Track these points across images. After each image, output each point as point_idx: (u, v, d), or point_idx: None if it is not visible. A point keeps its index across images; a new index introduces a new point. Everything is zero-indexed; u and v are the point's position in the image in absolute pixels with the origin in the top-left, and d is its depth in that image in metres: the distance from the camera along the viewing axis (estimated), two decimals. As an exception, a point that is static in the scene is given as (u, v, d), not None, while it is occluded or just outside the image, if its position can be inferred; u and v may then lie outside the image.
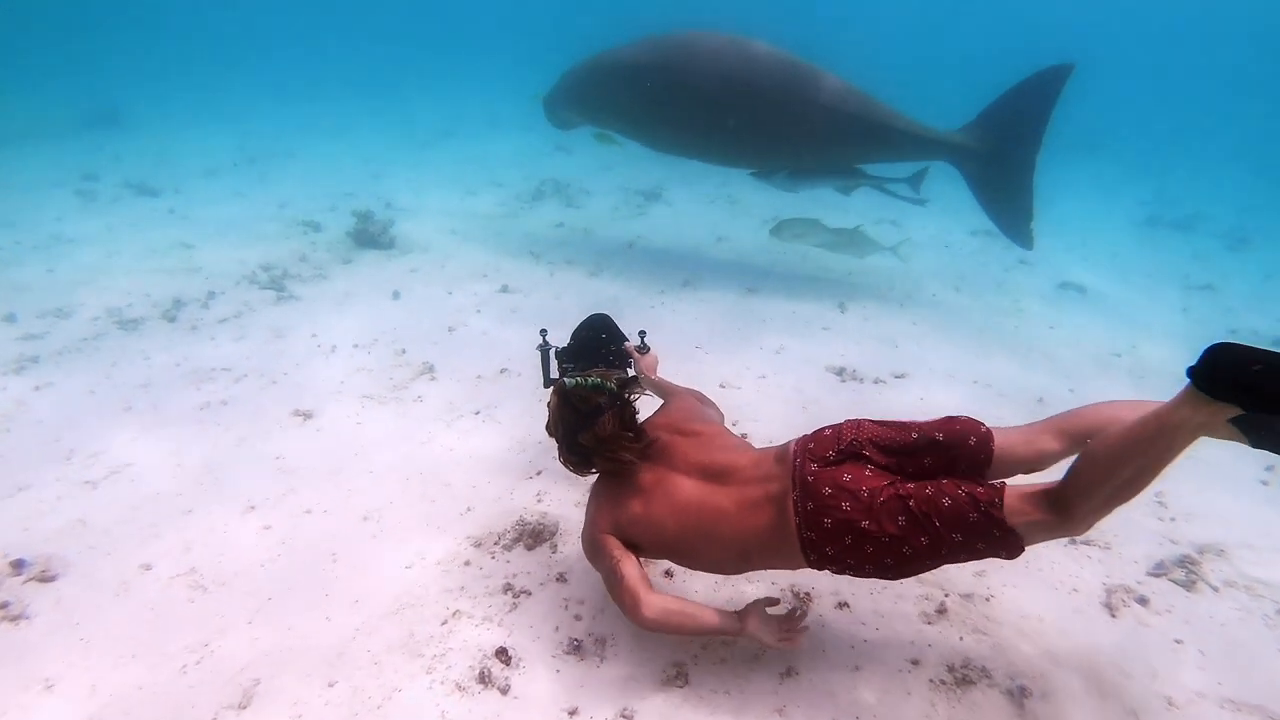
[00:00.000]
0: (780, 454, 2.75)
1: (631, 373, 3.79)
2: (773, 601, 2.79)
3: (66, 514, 3.79)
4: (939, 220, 11.08)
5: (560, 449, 2.93)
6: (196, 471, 4.19)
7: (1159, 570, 3.75)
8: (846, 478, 2.53)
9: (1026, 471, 2.67)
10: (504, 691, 2.82)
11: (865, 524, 2.44)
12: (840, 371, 5.83)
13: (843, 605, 3.33)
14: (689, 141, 7.61)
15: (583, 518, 3.01)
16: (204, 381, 5.21)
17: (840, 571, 2.59)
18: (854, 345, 6.41)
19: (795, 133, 7.00)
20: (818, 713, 2.80)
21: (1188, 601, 3.56)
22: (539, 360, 3.85)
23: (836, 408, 5.19)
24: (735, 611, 2.71)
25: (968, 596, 3.43)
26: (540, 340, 3.85)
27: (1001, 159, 7.00)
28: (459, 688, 2.83)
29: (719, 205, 11.23)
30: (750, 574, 3.43)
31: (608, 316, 3.90)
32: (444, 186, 11.82)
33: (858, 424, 2.72)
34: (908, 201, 7.65)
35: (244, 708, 2.73)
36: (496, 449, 4.47)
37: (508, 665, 2.94)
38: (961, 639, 3.19)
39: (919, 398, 5.49)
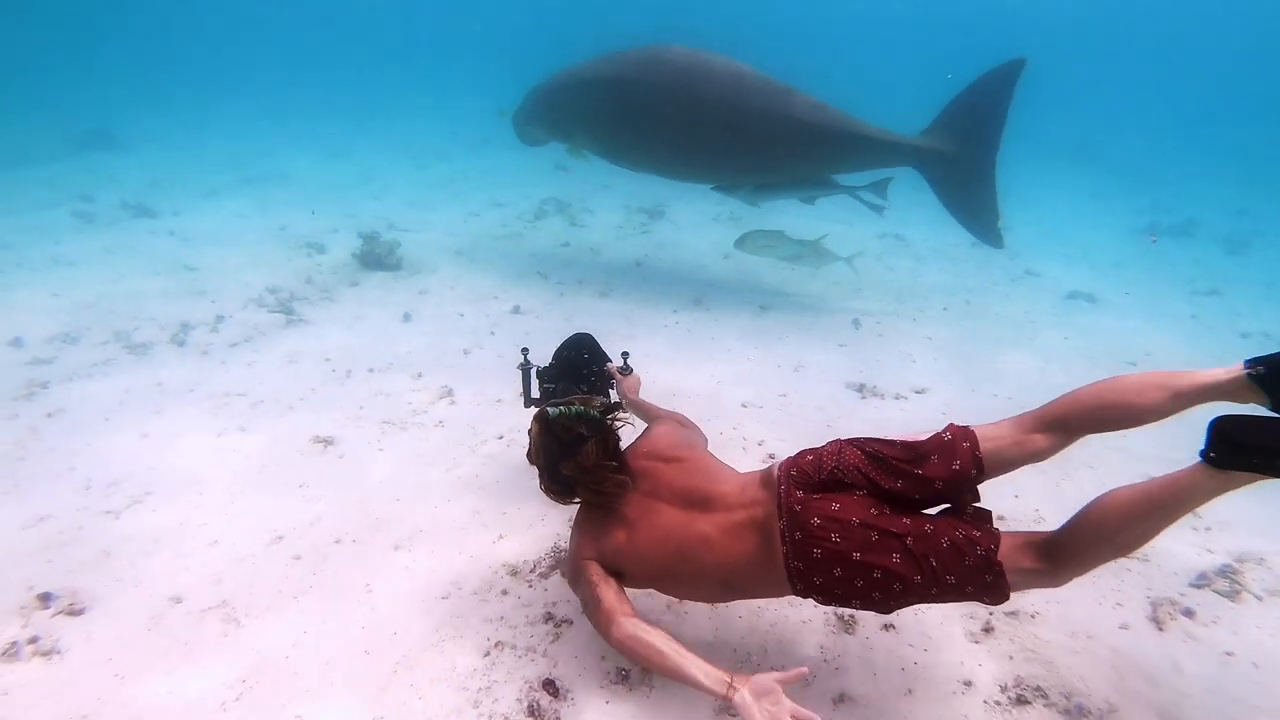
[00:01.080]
0: (765, 478, 2.69)
1: (614, 394, 3.77)
2: (797, 677, 2.34)
3: (89, 545, 3.71)
4: (942, 234, 11.12)
5: (542, 477, 2.88)
6: (219, 500, 4.11)
7: (1201, 581, 3.72)
8: (835, 507, 2.46)
9: (1024, 465, 2.61)
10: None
11: (857, 556, 2.38)
12: (860, 388, 5.81)
13: (889, 627, 3.28)
14: (652, 157, 7.63)
15: None
16: (220, 408, 5.14)
17: (826, 602, 2.54)
18: (871, 361, 6.40)
19: (760, 147, 7.02)
20: (876, 740, 2.75)
21: (1233, 612, 3.54)
22: (519, 380, 3.82)
23: (860, 424, 5.17)
24: (731, 675, 2.34)
25: (1013, 614, 3.39)
26: (521, 359, 3.82)
27: (963, 160, 7.01)
28: (508, 721, 2.77)
29: (722, 222, 11.24)
30: (794, 601, 3.38)
31: (590, 336, 3.87)
32: (445, 207, 11.82)
33: (839, 450, 2.62)
34: (870, 206, 7.60)
35: (288, 746, 2.66)
36: (524, 474, 4.39)
37: (556, 697, 2.87)
38: (1012, 658, 3.15)
39: (941, 412, 5.45)
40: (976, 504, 2.58)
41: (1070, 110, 29.64)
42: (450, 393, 5.37)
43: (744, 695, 2.26)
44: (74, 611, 3.25)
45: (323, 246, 9.10)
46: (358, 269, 8.27)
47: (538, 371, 3.81)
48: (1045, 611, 3.41)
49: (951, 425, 2.59)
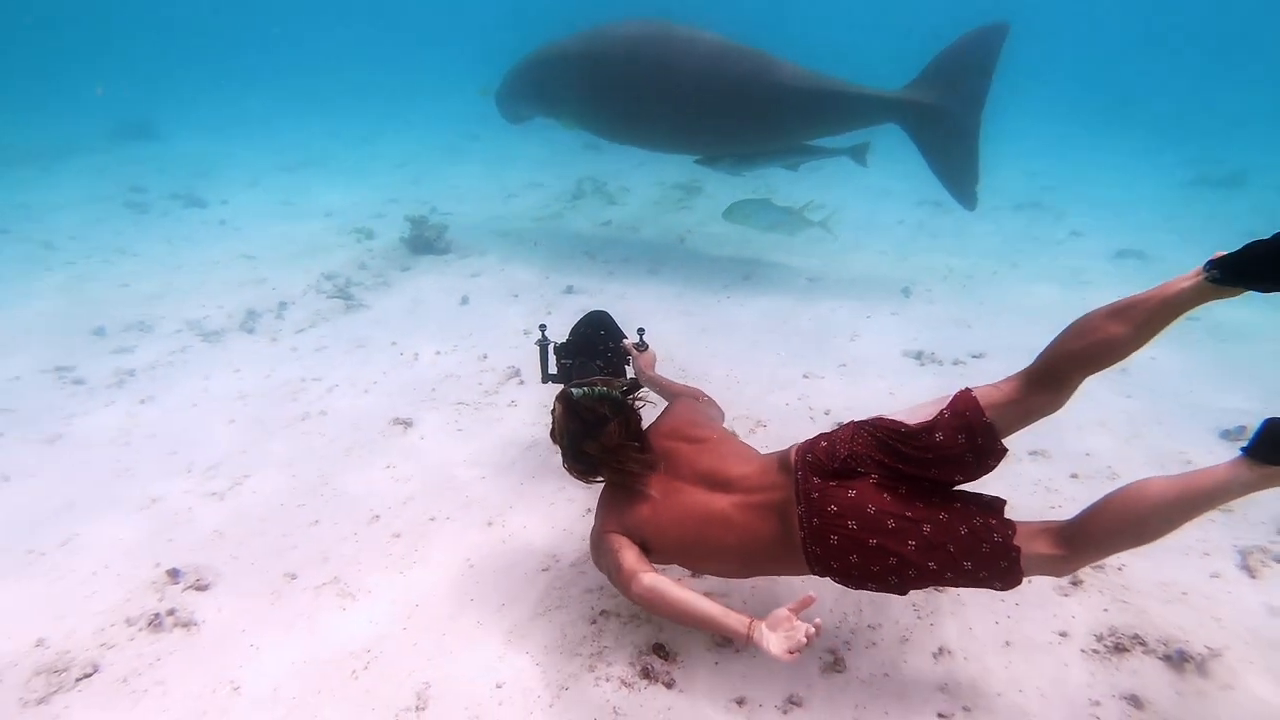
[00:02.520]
0: (783, 461, 2.77)
1: (629, 370, 3.87)
2: (805, 603, 2.41)
3: (202, 525, 3.88)
4: (986, 194, 11.12)
5: (565, 457, 3.00)
6: (313, 482, 4.27)
7: (1290, 528, 3.80)
8: (852, 494, 2.54)
9: (1035, 421, 2.62)
10: (669, 686, 2.89)
11: (874, 543, 2.47)
12: (919, 355, 5.90)
13: (979, 583, 3.41)
14: (636, 130, 7.79)
15: None
16: (298, 392, 5.30)
17: (843, 583, 2.63)
18: (926, 328, 6.47)
19: (742, 114, 7.09)
20: (981, 687, 2.88)
21: (1325, 556, 3.61)
22: (537, 355, 3.95)
23: (923, 391, 5.25)
24: (751, 618, 2.44)
25: (1099, 568, 3.49)
26: (539, 335, 3.95)
27: (947, 113, 6.92)
28: (624, 684, 2.90)
29: (761, 197, 11.26)
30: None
31: (606, 313, 3.97)
32: (482, 189, 11.94)
33: (852, 436, 2.68)
34: (855, 161, 7.57)
35: (421, 709, 2.80)
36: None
37: (667, 660, 3.00)
38: (1106, 610, 3.26)
39: (998, 377, 5.53)
40: (995, 497, 2.64)
41: (1108, 69, 29.29)
42: (518, 373, 5.49)
43: (761, 630, 2.37)
44: (201, 587, 3.43)
45: (371, 232, 9.26)
46: (408, 253, 8.42)
47: (555, 347, 3.93)
48: (1131, 564, 3.51)
49: (953, 399, 2.61)
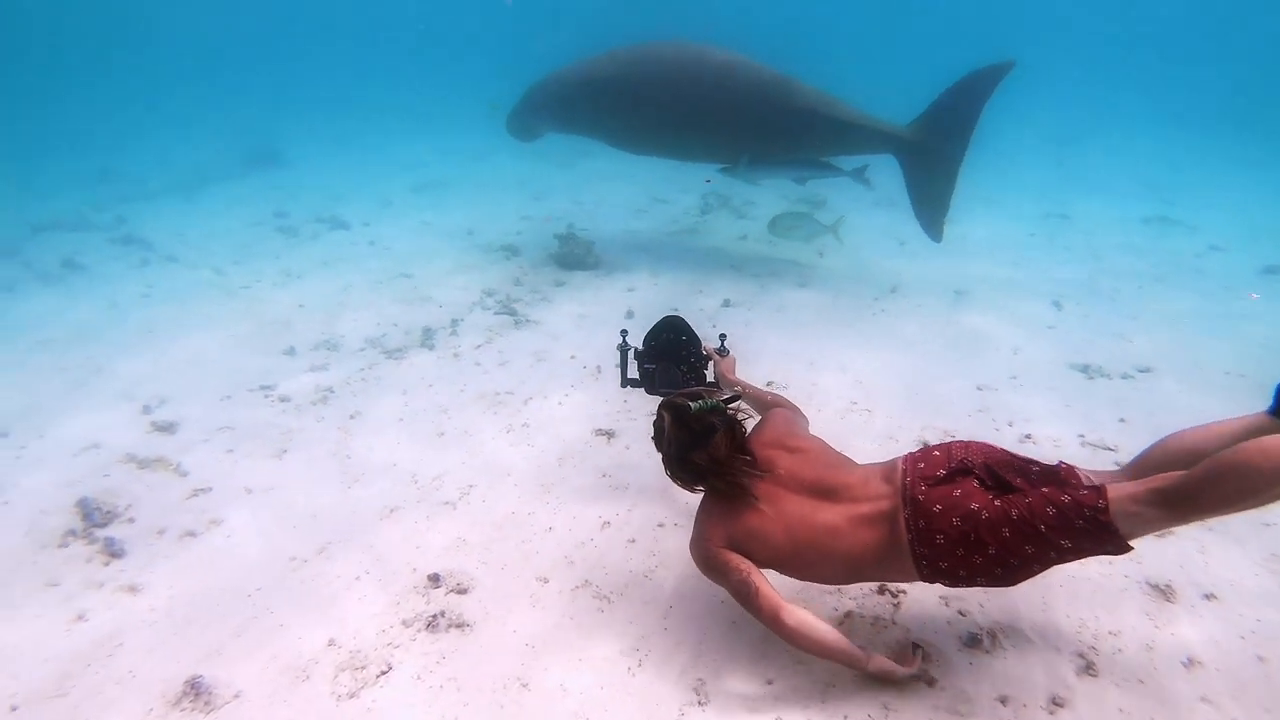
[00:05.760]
0: (888, 473, 2.88)
1: (710, 375, 4.03)
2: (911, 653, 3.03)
3: (444, 533, 4.15)
4: (1109, 207, 11.07)
5: (668, 464, 3.08)
6: (535, 491, 4.53)
7: None
8: (957, 493, 2.66)
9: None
10: (930, 684, 3.03)
11: (974, 536, 2.58)
12: (1085, 369, 5.96)
13: (1210, 597, 3.51)
14: (659, 144, 8.50)
15: None
16: (496, 405, 5.59)
17: (953, 584, 2.73)
18: (1085, 342, 6.55)
19: (764, 133, 7.67)
20: (1244, 702, 2.95)
21: None
22: (618, 360, 4.11)
23: (1096, 404, 5.39)
24: (864, 649, 2.92)
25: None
26: (620, 340, 4.12)
27: (938, 155, 7.31)
28: (889, 682, 3.07)
29: (883, 209, 11.26)
30: (1104, 567, 3.58)
31: (682, 318, 4.06)
32: (608, 204, 12.23)
33: (966, 445, 2.85)
34: (859, 183, 8.01)
35: (704, 705, 3.01)
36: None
37: (926, 660, 3.13)
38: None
39: (1174, 392, 5.57)
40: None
41: (1209, 74, 28.42)
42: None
43: (877, 660, 2.93)
44: (461, 590, 3.70)
45: (516, 249, 9.59)
46: (558, 269, 8.73)
47: (635, 353, 4.09)
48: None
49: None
